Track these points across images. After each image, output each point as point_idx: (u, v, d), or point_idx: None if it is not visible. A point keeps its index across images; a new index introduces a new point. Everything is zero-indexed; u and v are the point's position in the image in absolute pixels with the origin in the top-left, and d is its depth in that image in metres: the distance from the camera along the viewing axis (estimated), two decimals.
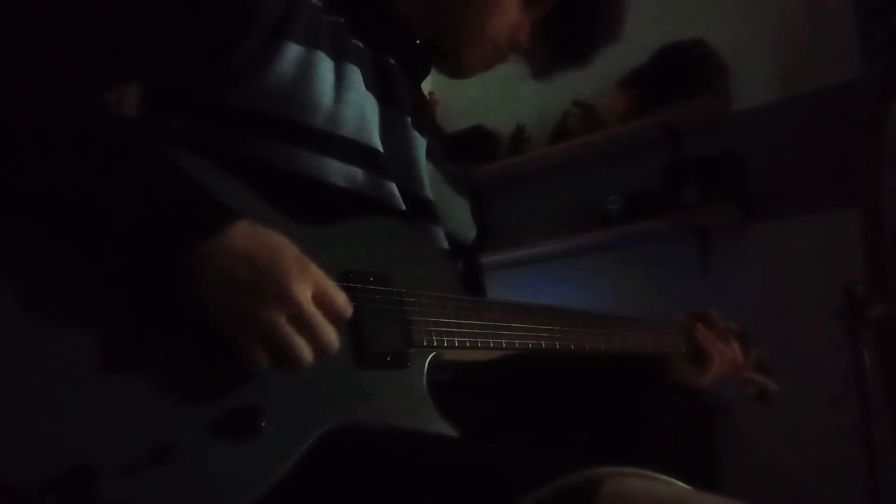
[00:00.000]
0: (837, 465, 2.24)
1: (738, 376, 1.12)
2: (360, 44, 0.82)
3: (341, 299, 0.62)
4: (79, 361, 0.53)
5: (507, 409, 1.06)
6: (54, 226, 0.56)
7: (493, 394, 1.01)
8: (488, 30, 0.88)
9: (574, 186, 3.25)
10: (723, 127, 2.86)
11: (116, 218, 0.56)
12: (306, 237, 0.64)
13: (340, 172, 0.74)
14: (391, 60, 0.85)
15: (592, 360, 0.96)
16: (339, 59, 0.77)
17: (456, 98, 3.52)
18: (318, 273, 0.61)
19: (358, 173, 0.75)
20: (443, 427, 0.69)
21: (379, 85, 0.82)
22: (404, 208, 0.79)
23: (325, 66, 0.75)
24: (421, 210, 0.83)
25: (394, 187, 0.79)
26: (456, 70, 0.92)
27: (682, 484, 0.51)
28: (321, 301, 0.61)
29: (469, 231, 0.94)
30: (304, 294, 0.59)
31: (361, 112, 0.77)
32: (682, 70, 2.79)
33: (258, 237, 0.59)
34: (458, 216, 0.93)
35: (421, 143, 0.85)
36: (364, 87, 0.79)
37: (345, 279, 0.67)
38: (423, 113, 0.90)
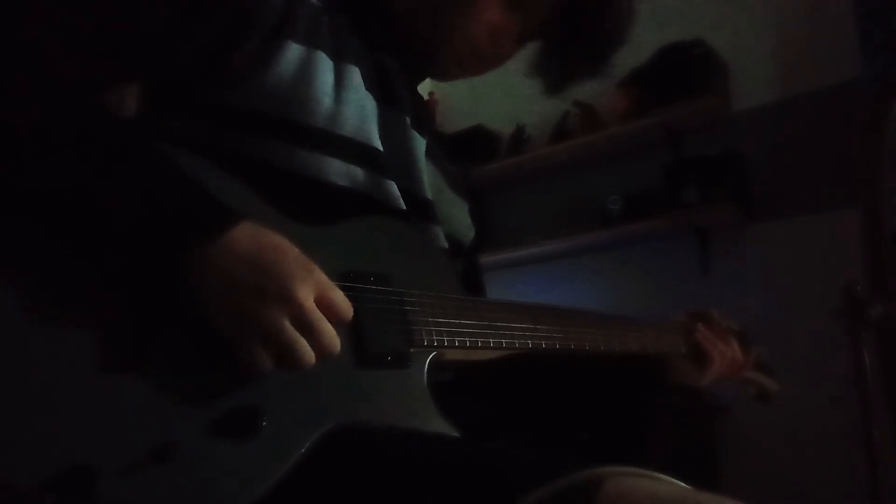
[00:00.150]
0: (837, 465, 2.24)
1: (738, 376, 1.12)
2: (361, 44, 0.82)
3: (343, 301, 0.62)
4: (79, 361, 0.53)
5: (508, 409, 1.06)
6: (55, 226, 0.56)
7: (493, 394, 1.01)
8: (464, 29, 0.85)
9: (574, 186, 3.25)
10: (723, 127, 2.86)
11: (117, 218, 0.56)
12: (306, 237, 0.64)
13: (341, 172, 0.74)
14: (391, 60, 0.85)
15: (592, 361, 0.96)
16: (339, 59, 0.77)
17: (456, 98, 3.52)
18: (319, 274, 0.61)
19: (358, 172, 0.75)
20: (443, 427, 0.69)
21: (379, 85, 0.82)
22: (405, 208, 0.79)
23: (325, 66, 0.75)
24: (420, 210, 0.83)
25: (394, 187, 0.79)
26: (432, 70, 0.91)
27: (682, 484, 0.51)
28: (323, 303, 0.61)
29: (468, 232, 0.94)
30: (306, 295, 0.59)
31: (361, 112, 0.77)
32: (682, 70, 2.79)
33: (260, 238, 0.59)
34: (457, 217, 0.92)
35: (420, 143, 0.85)
36: (364, 87, 0.79)
37: (345, 279, 0.67)
38: (423, 113, 0.89)
